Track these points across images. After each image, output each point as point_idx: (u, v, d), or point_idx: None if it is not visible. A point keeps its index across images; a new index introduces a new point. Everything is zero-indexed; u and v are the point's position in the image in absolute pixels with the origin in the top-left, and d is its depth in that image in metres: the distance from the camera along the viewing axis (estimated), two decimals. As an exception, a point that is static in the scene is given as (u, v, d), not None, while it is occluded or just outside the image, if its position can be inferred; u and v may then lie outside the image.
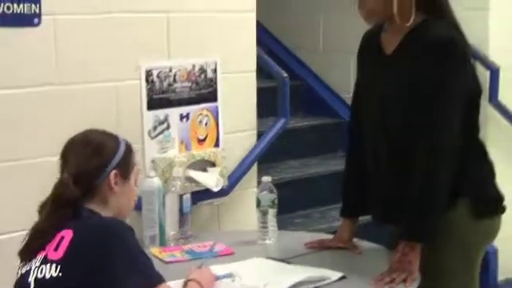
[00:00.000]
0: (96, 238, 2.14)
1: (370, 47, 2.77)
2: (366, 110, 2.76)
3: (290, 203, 4.01)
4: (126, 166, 2.34)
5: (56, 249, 2.15)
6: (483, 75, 4.38)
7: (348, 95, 4.97)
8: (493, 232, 2.73)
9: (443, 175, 2.52)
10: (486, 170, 2.71)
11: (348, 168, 2.92)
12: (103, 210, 2.28)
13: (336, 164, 4.72)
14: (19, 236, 2.31)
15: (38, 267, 2.16)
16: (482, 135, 2.72)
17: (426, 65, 2.53)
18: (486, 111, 4.37)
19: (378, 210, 2.78)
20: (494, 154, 2.79)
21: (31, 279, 2.16)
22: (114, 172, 2.28)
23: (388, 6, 2.57)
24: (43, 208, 2.27)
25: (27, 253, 2.24)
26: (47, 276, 2.13)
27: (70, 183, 2.22)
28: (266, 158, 3.85)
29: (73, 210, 2.21)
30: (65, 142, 2.33)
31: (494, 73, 4.48)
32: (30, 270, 2.18)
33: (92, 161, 2.28)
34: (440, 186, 2.53)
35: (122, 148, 2.34)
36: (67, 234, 2.15)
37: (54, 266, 2.13)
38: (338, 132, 4.98)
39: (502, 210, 2.71)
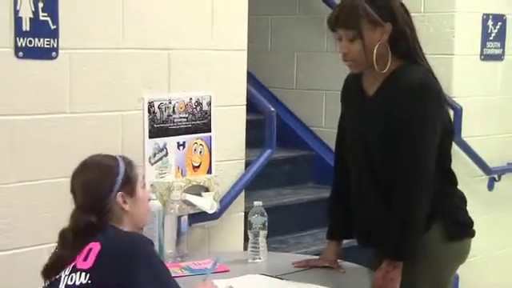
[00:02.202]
0: (122, 251, 2.31)
1: (352, 89, 2.99)
2: (350, 143, 2.97)
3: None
4: (130, 184, 2.45)
5: (85, 259, 2.32)
6: (447, 114, 4.68)
7: (319, 129, 5.31)
8: (463, 254, 2.93)
9: (422, 201, 2.74)
10: (457, 196, 2.94)
11: (334, 195, 3.12)
12: (121, 225, 2.44)
13: (307, 194, 4.95)
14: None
15: (68, 275, 2.33)
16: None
17: (406, 104, 2.74)
18: (450, 148, 4.65)
19: (363, 235, 2.97)
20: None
21: (62, 286, 2.33)
22: (120, 194, 2.41)
23: (368, 57, 2.81)
24: (63, 235, 2.42)
25: (50, 273, 2.40)
26: (77, 283, 2.30)
27: (81, 214, 2.38)
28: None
29: (93, 231, 2.36)
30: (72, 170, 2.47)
31: (458, 112, 4.70)
32: (60, 278, 2.35)
33: (96, 189, 2.40)
34: (419, 211, 2.74)
35: (122, 168, 2.44)
36: (95, 246, 2.33)
37: (83, 274, 2.30)
38: (310, 164, 5.22)
39: (472, 233, 2.93)
